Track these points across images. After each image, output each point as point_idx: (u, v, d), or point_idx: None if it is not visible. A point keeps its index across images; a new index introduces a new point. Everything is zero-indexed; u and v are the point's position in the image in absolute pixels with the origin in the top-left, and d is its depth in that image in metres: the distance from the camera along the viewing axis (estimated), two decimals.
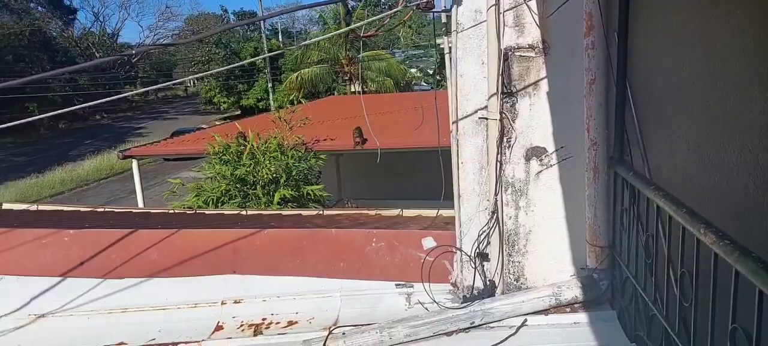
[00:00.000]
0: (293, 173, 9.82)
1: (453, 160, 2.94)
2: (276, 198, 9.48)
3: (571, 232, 2.86)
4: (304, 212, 7.81)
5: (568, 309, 2.76)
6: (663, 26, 2.14)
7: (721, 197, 1.70)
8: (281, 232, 3.48)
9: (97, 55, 47.49)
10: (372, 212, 7.64)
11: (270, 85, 37.17)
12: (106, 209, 6.90)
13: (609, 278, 2.73)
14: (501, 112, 2.70)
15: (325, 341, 2.63)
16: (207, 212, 8.37)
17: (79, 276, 3.49)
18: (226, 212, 8.30)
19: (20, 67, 39.08)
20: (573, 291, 2.75)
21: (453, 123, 2.85)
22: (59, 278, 3.50)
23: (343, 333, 2.70)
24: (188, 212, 8.81)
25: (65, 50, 46.65)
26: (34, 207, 8.67)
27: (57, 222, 4.67)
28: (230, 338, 3.02)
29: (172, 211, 8.31)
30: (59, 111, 3.34)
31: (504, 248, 2.92)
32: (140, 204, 13.70)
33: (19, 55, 41.00)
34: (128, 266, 3.48)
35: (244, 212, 7.99)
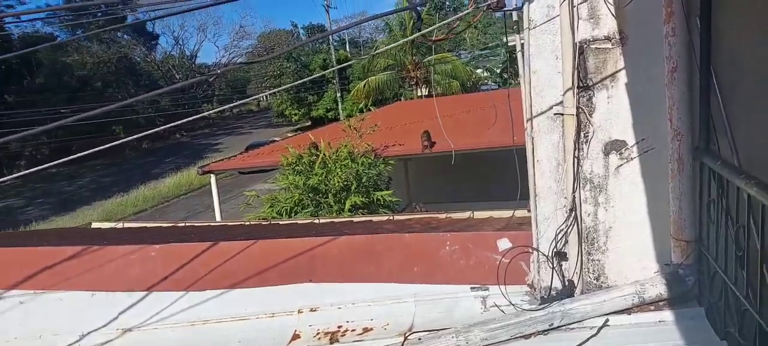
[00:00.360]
0: (363, 180, 9.93)
1: (528, 159, 2.85)
2: (347, 205, 9.63)
3: (655, 227, 2.70)
4: (375, 218, 7.87)
5: (652, 307, 2.60)
6: (750, 7, 1.98)
7: None
8: (354, 239, 3.51)
9: (177, 76, 50.42)
10: (442, 216, 7.58)
11: (339, 94, 37.94)
12: (187, 224, 7.28)
13: (696, 273, 2.54)
14: (577, 107, 2.60)
15: None
16: (281, 222, 8.64)
17: (164, 290, 3.68)
18: (299, 222, 8.53)
19: (108, 93, 42.22)
20: (657, 288, 2.59)
21: (527, 121, 2.77)
22: (145, 293, 3.70)
23: (419, 339, 2.69)
24: (263, 222, 9.13)
25: (148, 74, 49.92)
26: (120, 225, 9.30)
27: (142, 238, 4.96)
28: (308, 345, 3.08)
29: (248, 223, 8.65)
30: (142, 133, 3.54)
31: (583, 247, 2.79)
32: (218, 217, 14.35)
33: (107, 81, 44.31)
34: (209, 278, 3.64)
35: (316, 221, 8.18)
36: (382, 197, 9.86)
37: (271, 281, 3.51)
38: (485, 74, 41.20)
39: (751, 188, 1.84)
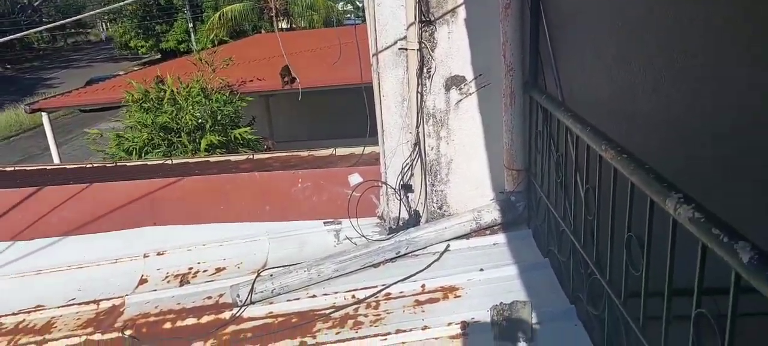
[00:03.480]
0: (219, 118, 9.46)
1: (375, 94, 2.89)
2: (203, 145, 9.16)
3: (491, 158, 2.93)
4: (233, 157, 7.59)
5: (488, 232, 2.87)
6: None
7: (625, 113, 1.76)
8: (202, 179, 3.36)
9: None
10: (305, 153, 7.54)
11: (191, 25, 35.03)
12: (16, 168, 6.41)
13: (525, 199, 2.83)
14: (420, 42, 2.66)
15: (253, 284, 2.61)
16: (128, 164, 7.98)
17: None
18: (149, 162, 7.94)
19: None
20: (492, 214, 2.85)
21: (373, 56, 2.78)
22: None
23: (271, 275, 2.69)
24: (108, 164, 8.35)
25: None
26: None
27: None
28: (155, 289, 2.94)
29: (89, 165, 7.86)
30: None
31: (427, 179, 2.95)
32: (56, 160, 12.85)
33: None
34: (39, 226, 3.28)
35: (168, 162, 7.67)
36: (240, 134, 9.51)
37: (111, 226, 3.26)
38: (348, 7, 40.74)
39: (567, 119, 2.05)
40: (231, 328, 2.48)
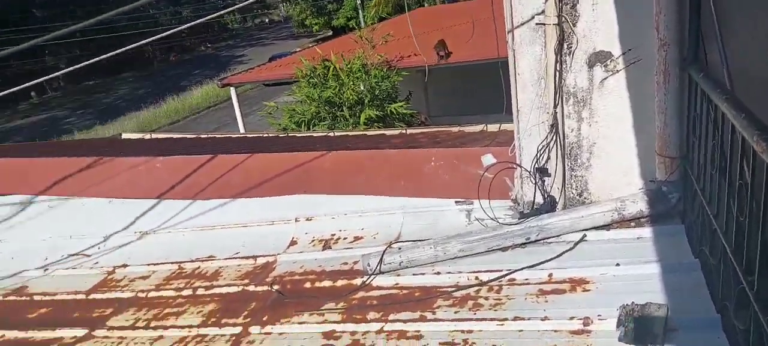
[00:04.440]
0: (377, 93, 9.89)
1: (510, 73, 2.80)
2: (362, 119, 9.68)
3: (640, 142, 2.67)
4: (387, 132, 7.92)
5: (632, 224, 2.63)
6: None
7: None
8: (347, 153, 3.59)
9: None
10: (454, 129, 7.58)
11: (359, 1, 36.72)
12: (202, 136, 7.47)
13: (680, 190, 2.54)
14: (559, 16, 2.51)
15: (383, 255, 2.74)
16: (298, 135, 8.78)
17: (173, 198, 3.88)
18: (314, 134, 8.66)
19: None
20: (638, 205, 2.60)
21: (508, 32, 2.69)
22: (156, 200, 3.91)
23: (400, 248, 2.80)
24: (281, 134, 9.28)
25: None
26: (148, 136, 9.58)
27: (161, 150, 5.14)
28: (302, 251, 3.24)
29: (265, 135, 8.81)
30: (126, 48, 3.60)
31: (565, 163, 2.80)
32: (241, 129, 14.60)
33: None
34: (213, 188, 3.80)
35: (331, 134, 8.29)
36: (396, 109, 9.84)
37: (269, 192, 3.65)
38: None
39: (722, 103, 1.79)
40: (360, 294, 2.65)
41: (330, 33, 41.14)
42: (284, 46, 42.15)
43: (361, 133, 8.21)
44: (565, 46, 2.57)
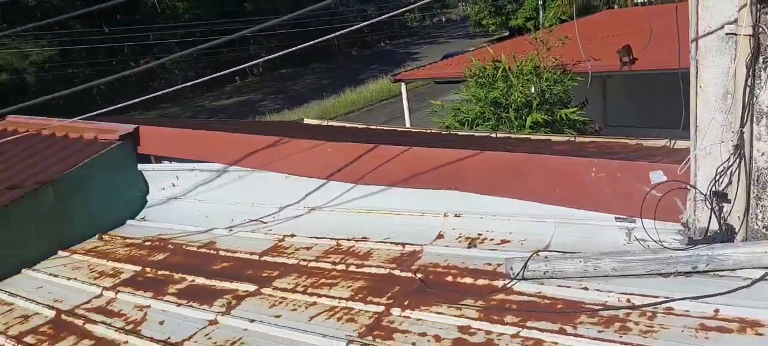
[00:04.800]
0: (547, 97, 9.52)
1: (691, 84, 2.55)
2: (528, 122, 9.40)
3: None
4: (554, 138, 7.61)
5: None
6: None
7: None
8: (502, 155, 3.57)
9: None
10: (632, 142, 7.00)
11: (540, 1, 35.38)
12: (371, 127, 7.92)
13: None
14: (755, 26, 2.21)
15: (527, 261, 2.70)
16: (459, 133, 8.86)
17: (338, 180, 4.23)
18: (476, 134, 8.65)
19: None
20: None
21: (692, 41, 2.45)
22: (325, 180, 4.30)
23: (546, 257, 2.73)
24: (443, 132, 9.45)
25: None
26: (325, 122, 10.47)
27: (330, 136, 5.61)
28: (448, 245, 3.33)
29: (427, 131, 9.05)
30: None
31: (751, 190, 2.46)
32: (407, 124, 15.13)
33: None
34: (373, 175, 4.06)
35: (493, 135, 8.21)
36: (566, 115, 9.37)
37: (421, 184, 3.80)
38: None
39: None
40: (499, 296, 2.65)
41: (506, 33, 40.40)
42: (458, 46, 42.49)
43: (524, 136, 8.00)
44: (761, 59, 2.26)
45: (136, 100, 5.29)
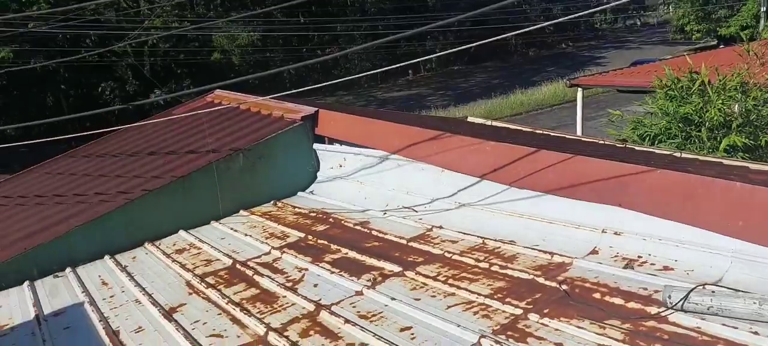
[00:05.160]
0: (752, 118, 8.26)
1: None
2: (723, 144, 8.26)
3: None
4: (753, 165, 6.63)
5: None
6: None
7: None
8: (674, 174, 3.22)
9: None
10: None
11: (763, 8, 30.58)
12: (537, 130, 7.65)
13: None
14: None
15: (689, 292, 2.44)
16: (637, 148, 8.14)
17: (492, 180, 4.22)
18: (656, 151, 7.86)
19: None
20: None
21: None
22: (478, 179, 4.33)
23: (713, 292, 2.44)
24: (619, 144, 8.76)
25: None
26: (489, 122, 10.40)
27: (491, 135, 5.59)
28: (601, 263, 3.14)
29: (600, 141, 8.47)
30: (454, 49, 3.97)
31: None
32: (578, 132, 14.28)
33: None
34: (530, 179, 3.97)
35: (677, 154, 7.39)
36: None
37: (581, 195, 3.62)
38: None
39: None
40: (650, 323, 2.44)
41: (713, 43, 35.70)
42: (652, 53, 38.77)
43: (715, 159, 7.09)
44: None
45: (318, 86, 5.85)
